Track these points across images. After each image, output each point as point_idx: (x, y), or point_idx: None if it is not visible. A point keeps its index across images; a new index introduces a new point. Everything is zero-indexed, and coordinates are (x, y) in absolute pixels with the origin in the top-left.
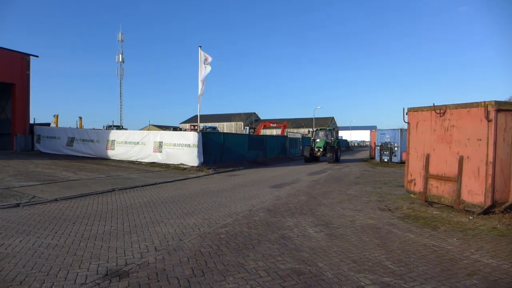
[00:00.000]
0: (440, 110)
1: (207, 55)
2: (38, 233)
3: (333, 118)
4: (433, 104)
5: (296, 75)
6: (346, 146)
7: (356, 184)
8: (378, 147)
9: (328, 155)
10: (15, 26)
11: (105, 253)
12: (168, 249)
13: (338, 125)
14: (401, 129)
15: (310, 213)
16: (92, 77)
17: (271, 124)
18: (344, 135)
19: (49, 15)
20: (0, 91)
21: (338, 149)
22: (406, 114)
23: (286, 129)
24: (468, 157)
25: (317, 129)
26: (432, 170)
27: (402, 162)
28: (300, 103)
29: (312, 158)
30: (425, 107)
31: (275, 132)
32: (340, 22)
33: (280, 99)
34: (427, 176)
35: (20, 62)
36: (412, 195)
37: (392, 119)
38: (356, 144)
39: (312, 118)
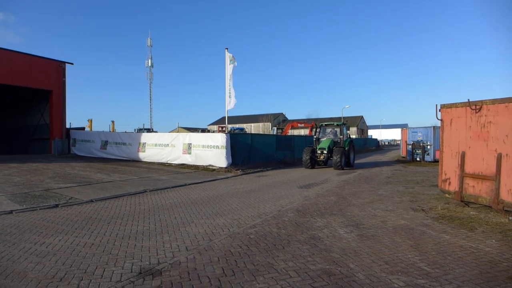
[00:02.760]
0: (476, 106)
1: (233, 57)
2: (75, 232)
3: (362, 117)
4: (468, 100)
5: (323, 74)
6: (376, 145)
7: (387, 184)
8: (410, 146)
9: (334, 158)
10: (51, 36)
11: (139, 252)
12: (199, 248)
13: (367, 124)
14: (433, 127)
15: (340, 214)
16: (124, 82)
17: (299, 124)
18: (373, 134)
19: (81, 24)
20: (39, 98)
21: (350, 151)
22: (439, 111)
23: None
24: (507, 154)
25: (321, 125)
26: (468, 168)
27: (435, 161)
28: (328, 103)
29: (315, 163)
30: (459, 103)
31: (303, 132)
32: (367, 17)
33: (307, 99)
34: (463, 175)
35: (56, 69)
36: (446, 195)
37: (423, 117)
38: (386, 143)
39: (341, 117)
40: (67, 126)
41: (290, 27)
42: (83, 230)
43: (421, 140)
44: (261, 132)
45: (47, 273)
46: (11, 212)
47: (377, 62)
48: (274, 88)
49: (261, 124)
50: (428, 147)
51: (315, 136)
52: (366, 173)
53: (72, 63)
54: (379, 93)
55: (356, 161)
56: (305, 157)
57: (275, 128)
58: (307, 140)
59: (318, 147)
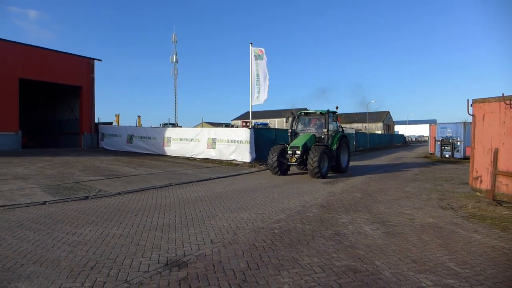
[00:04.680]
0: (511, 101)
1: (260, 49)
2: (105, 223)
3: (388, 112)
4: (502, 94)
5: (348, 68)
6: (402, 141)
7: (414, 181)
8: (439, 142)
9: (309, 161)
10: (81, 33)
11: (165, 244)
12: (224, 242)
13: (394, 120)
14: (464, 123)
15: (366, 210)
16: (150, 78)
17: None
18: (400, 129)
19: (109, 22)
20: (70, 94)
21: (340, 150)
22: (471, 106)
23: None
24: None
25: (299, 114)
26: (502, 166)
27: (465, 158)
28: (352, 97)
29: (287, 168)
30: (492, 98)
31: None
32: (394, 12)
33: (331, 94)
34: (496, 173)
35: (86, 66)
36: (478, 193)
37: (453, 113)
38: (413, 139)
39: (366, 113)
40: (96, 121)
41: (315, 21)
42: (112, 221)
43: (451, 136)
44: (284, 127)
45: (79, 261)
46: (44, 203)
47: (404, 57)
48: (298, 83)
49: (284, 119)
50: (458, 143)
51: (290, 130)
52: (392, 169)
53: (100, 60)
54: (406, 88)
55: (373, 159)
56: (271, 158)
57: None
58: None
59: (289, 146)
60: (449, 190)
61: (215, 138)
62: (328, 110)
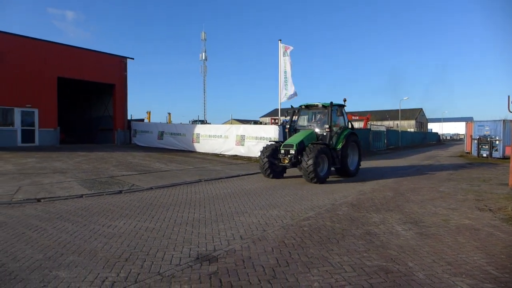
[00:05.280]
0: None
1: (287, 46)
2: (137, 217)
3: (421, 109)
4: None
5: (380, 64)
6: (436, 139)
7: (449, 180)
8: (476, 141)
9: (303, 162)
10: (114, 32)
11: (196, 239)
12: (253, 238)
13: (427, 117)
14: (503, 120)
15: (398, 210)
16: (179, 75)
17: (353, 117)
18: (434, 127)
19: (141, 20)
20: (104, 91)
21: (348, 150)
22: None
23: (369, 122)
24: None
25: (300, 107)
26: None
27: (504, 158)
28: (384, 94)
29: (282, 170)
30: None
31: (357, 124)
32: (428, 8)
33: (362, 90)
34: None
35: (119, 64)
36: None
37: (491, 110)
38: (448, 138)
39: (398, 110)
40: (128, 117)
41: (347, 16)
42: (144, 215)
43: (489, 135)
44: None
45: (114, 253)
46: (81, 196)
47: (439, 53)
48: (326, 78)
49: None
50: (497, 142)
51: (288, 126)
52: (425, 169)
53: (132, 58)
54: (441, 85)
55: (405, 157)
56: (262, 159)
57: None
58: (361, 134)
59: (282, 146)
60: (487, 191)
61: (244, 135)
62: (331, 102)
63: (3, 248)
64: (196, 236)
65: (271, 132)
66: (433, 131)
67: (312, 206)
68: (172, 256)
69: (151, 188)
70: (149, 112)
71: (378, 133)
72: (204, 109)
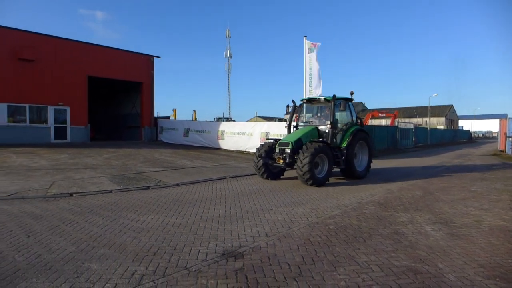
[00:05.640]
0: None
1: (313, 43)
2: (165, 212)
3: (451, 106)
4: None
5: (409, 59)
6: (467, 137)
7: (481, 180)
8: (510, 139)
9: (298, 162)
10: (142, 31)
11: (221, 235)
12: (278, 235)
13: (457, 114)
14: None
15: (427, 210)
16: (204, 73)
17: (380, 114)
18: (465, 124)
19: (166, 18)
20: (131, 89)
21: (352, 149)
22: None
23: (397, 119)
24: None
25: (302, 102)
26: None
27: None
28: (413, 91)
29: (280, 171)
30: None
31: (384, 122)
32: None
33: (389, 86)
34: None
35: (146, 63)
36: None
37: None
38: (480, 135)
39: (427, 107)
40: (155, 115)
41: (373, 14)
42: (171, 210)
43: None
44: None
45: (143, 247)
46: (111, 191)
47: (471, 48)
48: (352, 75)
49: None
50: None
51: (287, 121)
52: (456, 169)
53: (159, 57)
54: (473, 79)
55: (434, 155)
56: (257, 159)
57: None
58: (389, 131)
59: (277, 144)
60: None
61: (268, 132)
62: (334, 95)
63: (39, 240)
64: (222, 232)
65: None
66: (464, 128)
67: (337, 204)
68: (199, 251)
69: (177, 185)
70: (175, 110)
71: (406, 130)
72: (229, 106)
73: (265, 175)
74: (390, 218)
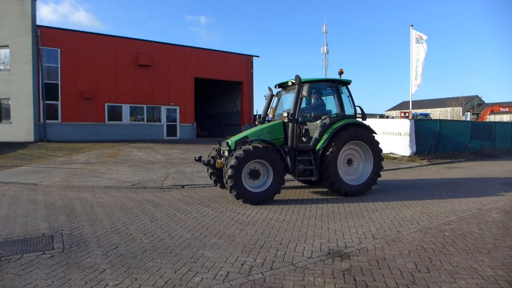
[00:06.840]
0: None
1: (421, 34)
2: (268, 207)
3: None
4: None
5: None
6: None
7: None
8: None
9: (224, 167)
10: (240, 31)
11: (326, 233)
12: (386, 239)
13: None
14: None
15: None
16: (301, 70)
17: (501, 109)
18: None
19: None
20: (232, 89)
21: (336, 153)
22: None
23: None
24: None
25: (279, 89)
26: None
27: None
28: None
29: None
30: None
31: (506, 118)
32: None
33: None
34: None
35: (246, 63)
36: None
37: None
38: None
39: None
40: (254, 113)
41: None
42: (275, 206)
43: None
44: (449, 118)
45: (250, 239)
46: (216, 185)
47: None
48: (466, 67)
49: (449, 109)
50: None
51: (260, 115)
52: None
53: (258, 56)
54: None
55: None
56: (204, 164)
57: (469, 113)
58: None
59: (220, 146)
60: None
61: None
62: (297, 76)
63: (160, 225)
64: (326, 231)
65: (402, 127)
66: None
67: (453, 209)
68: (304, 248)
69: None
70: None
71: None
72: None
73: (219, 184)
74: None
